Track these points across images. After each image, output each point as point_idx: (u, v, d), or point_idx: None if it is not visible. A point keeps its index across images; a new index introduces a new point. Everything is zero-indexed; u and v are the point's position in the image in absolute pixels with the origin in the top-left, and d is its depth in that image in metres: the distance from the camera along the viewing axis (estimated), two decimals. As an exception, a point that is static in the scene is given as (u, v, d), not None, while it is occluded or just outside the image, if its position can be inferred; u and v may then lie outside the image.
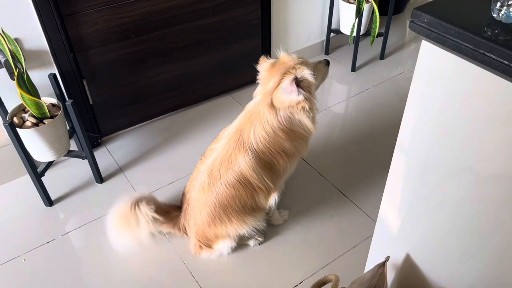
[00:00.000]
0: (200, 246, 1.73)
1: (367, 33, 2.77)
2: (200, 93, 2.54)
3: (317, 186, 2.06)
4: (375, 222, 1.86)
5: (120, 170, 2.17)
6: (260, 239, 1.79)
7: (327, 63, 1.71)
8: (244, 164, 1.56)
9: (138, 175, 2.14)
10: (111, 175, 2.15)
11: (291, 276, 1.70)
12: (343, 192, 2.03)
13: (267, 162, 1.59)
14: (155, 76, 2.30)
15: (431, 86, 0.93)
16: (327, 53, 2.93)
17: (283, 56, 1.59)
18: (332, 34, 2.87)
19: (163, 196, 2.01)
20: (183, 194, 1.76)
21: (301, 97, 1.49)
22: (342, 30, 2.80)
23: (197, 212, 1.65)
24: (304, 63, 1.57)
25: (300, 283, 1.68)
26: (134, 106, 2.34)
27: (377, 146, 2.27)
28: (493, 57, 0.77)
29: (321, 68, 1.68)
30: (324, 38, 2.89)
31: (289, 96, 1.50)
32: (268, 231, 1.85)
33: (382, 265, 1.19)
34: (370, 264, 1.42)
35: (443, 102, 0.91)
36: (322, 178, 2.10)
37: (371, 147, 2.27)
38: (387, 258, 1.20)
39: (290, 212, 1.93)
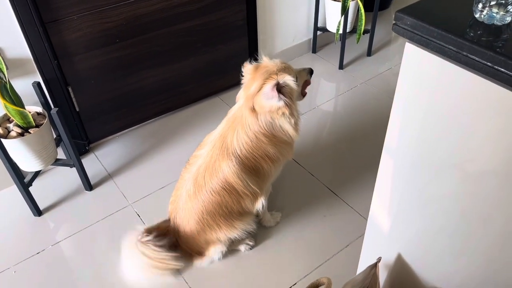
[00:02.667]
0: (191, 255, 1.72)
1: (354, 30, 2.77)
2: (188, 96, 2.53)
3: (308, 186, 2.06)
4: (367, 220, 1.88)
5: (109, 176, 2.15)
6: (251, 243, 1.78)
7: (310, 71, 1.70)
8: (228, 170, 1.55)
9: (128, 181, 2.13)
10: (100, 182, 2.13)
11: (284, 278, 1.70)
12: (334, 191, 2.03)
13: (251, 168, 1.58)
14: (141, 80, 2.28)
15: (416, 88, 0.92)
16: (314, 51, 2.93)
17: (266, 61, 1.59)
18: (318, 32, 2.87)
19: (154, 201, 2.00)
20: (170, 203, 1.74)
21: (281, 103, 1.48)
22: (329, 28, 2.80)
23: (185, 221, 1.64)
24: (286, 69, 1.56)
25: (293, 285, 1.68)
26: (122, 111, 2.32)
27: (367, 144, 2.27)
28: (476, 59, 0.77)
29: (304, 76, 1.68)
30: (311, 36, 2.88)
31: (270, 101, 1.50)
32: (260, 233, 1.85)
33: (374, 266, 1.19)
34: (362, 264, 1.42)
35: (429, 103, 0.91)
36: (313, 177, 2.10)
37: (361, 145, 2.27)
38: (379, 259, 1.20)
39: (282, 213, 1.92)
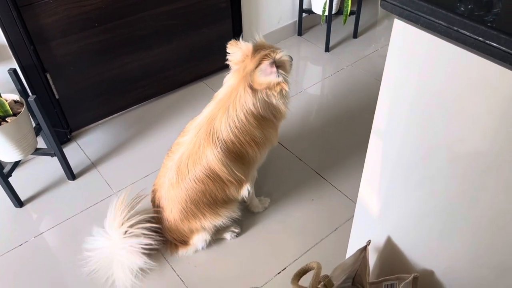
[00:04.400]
0: (175, 245, 1.69)
1: (339, 12, 2.73)
2: (172, 81, 2.47)
3: (295, 170, 2.04)
4: (355, 203, 1.86)
5: (92, 165, 2.10)
6: (236, 230, 1.76)
7: (290, 57, 1.68)
8: (212, 157, 1.52)
9: (112, 170, 2.08)
10: (83, 171, 2.07)
11: (273, 264, 1.68)
12: (322, 174, 2.01)
13: (236, 154, 1.55)
14: (123, 66, 2.21)
15: (405, 66, 0.89)
16: (300, 34, 2.88)
17: (261, 40, 1.59)
18: (304, 15, 2.82)
19: (139, 190, 1.95)
20: (152, 192, 1.70)
21: (280, 78, 1.49)
22: (314, 9, 2.75)
23: (168, 210, 1.61)
24: (281, 50, 1.56)
25: (283, 270, 1.66)
26: (104, 98, 2.25)
27: (355, 127, 2.25)
28: (467, 34, 0.74)
29: (286, 61, 1.66)
30: (296, 18, 2.83)
31: (269, 77, 1.49)
32: (245, 220, 1.82)
33: (364, 249, 1.17)
34: (352, 247, 1.41)
35: (419, 81, 0.88)
36: (300, 161, 2.08)
37: (348, 128, 2.25)
38: (368, 242, 1.19)
39: (270, 199, 1.90)
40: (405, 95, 0.93)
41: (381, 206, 1.18)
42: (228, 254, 1.73)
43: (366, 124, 2.25)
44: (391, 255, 1.22)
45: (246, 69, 1.52)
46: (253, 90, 1.51)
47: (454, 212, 1.00)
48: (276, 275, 1.65)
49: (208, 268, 1.69)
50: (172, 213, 1.60)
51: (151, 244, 1.60)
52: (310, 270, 1.17)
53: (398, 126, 0.99)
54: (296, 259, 1.69)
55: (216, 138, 1.52)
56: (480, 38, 0.72)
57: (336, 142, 2.18)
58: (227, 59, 1.59)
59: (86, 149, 2.18)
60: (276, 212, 1.86)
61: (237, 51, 1.57)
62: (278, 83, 1.50)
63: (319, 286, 1.10)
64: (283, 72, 1.50)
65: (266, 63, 1.50)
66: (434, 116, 0.89)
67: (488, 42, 0.72)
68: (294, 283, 1.14)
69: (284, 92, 1.54)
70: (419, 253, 1.16)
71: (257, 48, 1.54)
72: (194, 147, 1.54)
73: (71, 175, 2.02)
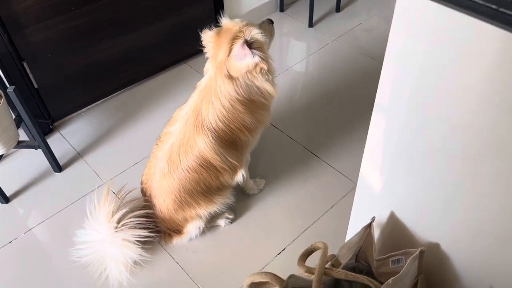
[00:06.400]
0: (169, 234, 1.66)
1: (321, -15, 2.67)
2: (154, 65, 2.39)
3: (288, 150, 2.02)
4: (350, 179, 1.87)
5: (79, 155, 2.03)
6: (230, 216, 1.73)
7: (270, 21, 1.63)
8: (204, 146, 1.48)
9: (99, 159, 2.02)
10: (70, 162, 2.01)
11: (272, 245, 1.67)
12: (314, 152, 2.00)
13: (228, 141, 1.51)
14: (103, 51, 2.13)
15: (411, 38, 0.87)
16: (282, 10, 2.82)
17: (226, 23, 1.49)
18: (285, -10, 2.75)
19: (130, 178, 1.90)
20: (142, 182, 1.66)
21: (257, 58, 1.41)
22: (295, -16, 2.69)
23: (161, 200, 1.57)
24: (249, 24, 1.48)
25: (283, 250, 1.66)
26: (85, 85, 2.17)
27: (343, 102, 2.23)
28: (479, 1, 0.71)
29: (267, 27, 1.60)
30: (278, -6, 2.77)
31: (244, 61, 1.42)
32: (239, 205, 1.78)
33: (368, 226, 1.17)
34: (353, 225, 1.40)
35: (426, 53, 0.86)
36: (292, 140, 2.05)
37: (336, 104, 2.23)
38: (373, 219, 1.18)
39: (264, 180, 1.88)
40: (410, 68, 0.90)
41: (384, 182, 1.17)
42: (225, 240, 1.71)
43: (353, 99, 2.24)
44: (395, 231, 1.21)
45: (218, 58, 1.46)
46: (232, 78, 1.45)
47: (458, 183, 0.99)
48: (276, 256, 1.64)
49: (207, 254, 1.67)
50: (165, 203, 1.57)
51: (144, 235, 1.56)
52: (316, 250, 1.16)
53: (402, 100, 0.97)
54: (296, 238, 1.68)
55: (206, 128, 1.48)
56: (494, 6, 0.70)
57: (325, 119, 2.16)
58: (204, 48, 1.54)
59: (70, 139, 2.11)
60: (271, 193, 1.85)
61: (207, 41, 1.52)
62: (256, 64, 1.42)
63: (327, 266, 1.09)
64: (257, 52, 1.41)
65: (237, 46, 1.41)
66: (441, 89, 0.87)
67: (502, 10, 0.69)
68: (300, 264, 1.12)
69: (264, 71, 1.46)
70: (424, 227, 1.16)
71: (223, 32, 1.47)
72: (184, 136, 1.50)
73: (57, 167, 1.96)
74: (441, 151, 0.97)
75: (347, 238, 1.48)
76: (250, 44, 1.41)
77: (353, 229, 1.41)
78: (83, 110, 2.24)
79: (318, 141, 2.04)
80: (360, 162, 1.93)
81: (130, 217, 1.56)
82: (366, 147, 1.15)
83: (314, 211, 1.77)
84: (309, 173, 1.91)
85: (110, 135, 2.12)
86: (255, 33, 1.43)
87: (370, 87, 2.38)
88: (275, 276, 1.05)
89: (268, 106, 1.57)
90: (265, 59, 1.44)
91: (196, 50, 2.50)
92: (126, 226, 1.54)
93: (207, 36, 1.51)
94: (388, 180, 1.16)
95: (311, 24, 2.70)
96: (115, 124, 2.17)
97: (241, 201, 1.80)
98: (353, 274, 1.03)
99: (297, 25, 2.73)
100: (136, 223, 1.56)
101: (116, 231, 1.53)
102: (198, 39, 2.48)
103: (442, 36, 0.81)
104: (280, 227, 1.73)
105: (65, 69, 2.05)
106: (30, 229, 1.76)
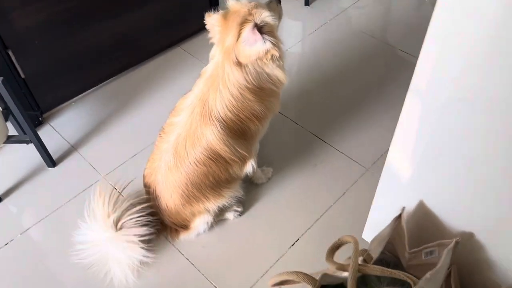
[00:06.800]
0: (176, 230, 1.58)
1: (317, -39, 2.56)
2: (147, 49, 2.27)
3: (293, 135, 1.94)
4: (359, 164, 1.82)
5: (73, 148, 1.92)
6: (239, 209, 1.66)
7: (278, 1, 1.52)
8: (212, 137, 1.39)
9: (95, 152, 1.91)
10: (64, 156, 1.89)
11: (286, 236, 1.61)
12: (321, 137, 1.93)
13: (237, 131, 1.43)
14: (93, 36, 1.99)
15: (460, 18, 0.79)
16: (276, -12, 2.70)
17: (232, 4, 1.38)
18: (279, -33, 2.63)
19: (129, 171, 1.81)
20: (145, 176, 1.56)
21: (268, 45, 1.31)
22: (290, -40, 2.57)
23: (167, 195, 1.48)
24: (258, 6, 1.37)
25: (296, 241, 1.59)
26: (75, 73, 2.04)
27: (345, 84, 2.16)
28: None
29: (275, 8, 1.50)
30: (271, -29, 2.64)
31: (255, 47, 1.32)
32: (249, 195, 1.70)
33: (398, 217, 1.11)
34: (376, 216, 1.35)
35: (480, 36, 0.78)
36: (297, 125, 1.98)
37: (338, 86, 2.16)
38: (403, 210, 1.12)
39: (272, 168, 1.80)
40: (459, 52, 0.83)
41: (414, 170, 1.11)
42: (235, 234, 1.63)
43: (356, 80, 2.17)
44: (424, 221, 1.16)
45: (225, 44, 1.36)
46: (241, 65, 1.35)
47: (492, 171, 0.94)
48: (290, 248, 1.58)
49: (217, 248, 1.60)
50: (172, 198, 1.48)
51: (147, 233, 1.48)
52: (344, 244, 1.10)
53: (445, 86, 0.89)
54: (309, 228, 1.62)
55: (214, 118, 1.39)
56: None
57: (328, 102, 2.08)
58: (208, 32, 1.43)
59: (62, 131, 1.99)
60: (279, 181, 1.78)
61: (213, 25, 1.41)
62: (268, 51, 1.32)
63: (359, 261, 1.03)
64: (269, 37, 1.31)
65: (247, 31, 1.31)
66: (494, 78, 0.80)
67: None
68: (329, 260, 1.06)
69: (275, 57, 1.36)
70: (456, 216, 1.11)
71: (230, 15, 1.36)
72: (190, 127, 1.41)
73: (51, 162, 1.84)
74: (478, 139, 0.91)
75: (366, 228, 1.43)
76: (260, 28, 1.32)
77: (374, 219, 1.36)
78: (74, 99, 2.12)
79: (323, 125, 1.97)
80: (368, 145, 1.86)
81: (131, 215, 1.47)
82: (396, 134, 1.09)
83: (325, 199, 1.71)
84: (317, 159, 1.85)
85: (105, 126, 2.01)
86: (265, 16, 1.33)
87: (372, 66, 2.32)
88: (306, 276, 0.98)
89: (278, 93, 1.49)
90: (276, 44, 1.34)
91: (190, 32, 2.39)
92: (127, 225, 1.45)
93: (212, 20, 1.40)
94: (418, 169, 1.10)
95: (307, 2, 2.60)
96: (110, 113, 2.06)
97: (249, 192, 1.72)
98: (389, 270, 0.98)
99: (293, 3, 2.63)
100: (138, 221, 1.47)
101: (117, 231, 1.44)
102: (190, 21, 2.37)
103: (497, 16, 0.73)
104: (291, 217, 1.67)
105: (53, 56, 1.91)
106: (26, 230, 1.66)
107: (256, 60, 1.35)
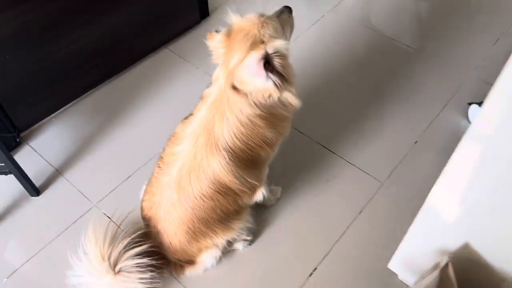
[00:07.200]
0: (181, 266, 1.43)
1: None
2: (131, 54, 2.07)
3: (299, 146, 1.80)
4: (373, 177, 1.69)
5: (57, 172, 1.73)
6: (248, 238, 1.51)
7: (289, 10, 1.35)
8: (220, 169, 1.24)
9: (82, 175, 1.72)
10: (48, 182, 1.70)
11: (302, 265, 1.48)
12: (329, 148, 1.79)
13: (247, 160, 1.28)
14: (70, 44, 1.77)
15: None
16: (266, -23, 2.50)
17: (237, 22, 1.21)
18: (269, -46, 2.42)
19: (124, 196, 1.64)
20: (144, 208, 1.40)
21: (270, 84, 1.16)
22: None
23: (171, 232, 1.33)
24: (269, 24, 1.20)
25: (314, 271, 1.47)
26: (53, 87, 1.83)
27: (348, 85, 2.02)
28: None
29: (287, 20, 1.33)
30: (261, -41, 2.44)
31: (254, 79, 1.17)
32: (258, 219, 1.55)
33: (445, 266, 0.99)
34: (407, 248, 1.23)
35: None
36: (302, 135, 1.83)
37: (341, 88, 2.01)
38: (450, 257, 1.00)
39: (279, 187, 1.66)
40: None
41: (462, 212, 0.99)
42: (245, 266, 1.50)
43: (359, 80, 2.03)
44: (470, 265, 1.05)
45: (229, 65, 1.20)
46: (240, 91, 1.20)
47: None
48: (308, 277, 1.46)
49: (227, 283, 1.46)
50: (176, 235, 1.33)
51: (150, 277, 1.33)
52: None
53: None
54: (326, 255, 1.51)
55: (221, 148, 1.23)
56: None
57: (333, 107, 1.94)
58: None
59: (43, 152, 1.79)
60: (289, 202, 1.64)
61: (216, 47, 1.25)
62: (265, 90, 1.17)
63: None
64: (273, 76, 1.14)
65: (252, 58, 1.15)
66: None
67: None
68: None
69: (277, 95, 1.21)
70: (504, 259, 1.00)
71: (235, 33, 1.20)
72: (195, 159, 1.25)
73: (34, 190, 1.65)
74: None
75: (395, 260, 1.32)
76: (269, 61, 1.15)
77: (406, 253, 1.25)
78: (54, 115, 1.91)
79: (329, 134, 1.83)
80: (380, 154, 1.70)
81: (131, 258, 1.31)
82: (445, 174, 0.96)
83: (341, 219, 1.59)
84: (328, 173, 1.72)
85: (91, 143, 1.82)
86: (280, 45, 1.16)
87: (376, 64, 2.17)
88: None
89: (290, 117, 1.34)
90: (280, 85, 1.17)
91: (176, 31, 2.18)
92: (127, 269, 1.30)
93: (215, 41, 1.23)
94: (467, 213, 0.97)
95: (301, -7, 2.41)
96: (95, 128, 1.86)
97: (258, 216, 1.57)
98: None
99: (285, -6, 2.43)
100: (140, 264, 1.32)
101: (115, 275, 1.29)
102: (177, 19, 2.16)
103: None
104: (306, 242, 1.54)
105: (28, 70, 1.70)
106: (15, 271, 1.48)
107: (253, 91, 1.19)
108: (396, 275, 1.40)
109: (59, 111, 1.92)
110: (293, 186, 1.68)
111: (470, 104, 1.86)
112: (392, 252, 1.43)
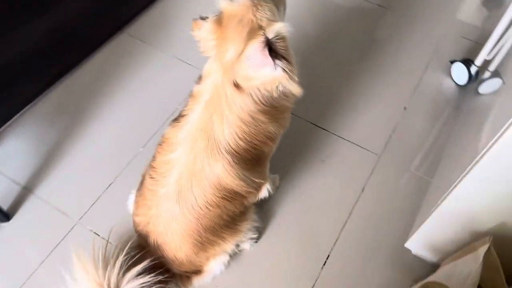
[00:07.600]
0: (187, 277, 1.32)
1: None
2: (88, 43, 1.84)
3: (292, 127, 1.69)
4: (369, 151, 1.63)
5: (26, 190, 1.53)
6: (254, 236, 1.42)
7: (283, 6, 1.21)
8: (225, 174, 1.13)
9: (55, 189, 1.54)
10: (17, 203, 1.51)
11: (312, 256, 1.41)
12: (322, 126, 1.70)
13: (252, 159, 1.18)
14: (18, 42, 1.55)
15: None
16: None
17: (227, 6, 1.06)
18: None
19: (107, 208, 1.48)
20: (138, 223, 1.26)
21: (279, 72, 1.03)
22: None
23: (175, 246, 1.21)
24: (262, 5, 1.05)
25: (327, 259, 1.41)
26: (6, 90, 1.59)
27: (339, 64, 1.90)
28: None
29: None
30: None
31: (262, 71, 1.04)
32: (260, 214, 1.44)
33: (487, 249, 0.94)
34: (429, 229, 1.18)
35: None
36: (293, 116, 1.71)
37: (333, 67, 1.89)
38: (490, 239, 0.95)
39: (277, 174, 1.56)
40: None
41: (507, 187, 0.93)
42: (255, 265, 1.41)
43: (351, 57, 1.92)
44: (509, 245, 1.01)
45: (225, 58, 1.06)
46: (242, 89, 1.07)
47: None
48: (322, 268, 1.40)
49: (243, 285, 1.37)
50: (182, 249, 1.22)
51: None
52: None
53: None
54: (337, 239, 1.44)
55: (223, 151, 1.11)
56: None
57: (323, 85, 1.83)
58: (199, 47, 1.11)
59: (5, 168, 1.58)
60: (289, 189, 1.55)
61: (205, 36, 1.09)
62: (276, 78, 1.04)
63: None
64: (282, 63, 1.02)
65: (254, 48, 1.01)
66: None
67: None
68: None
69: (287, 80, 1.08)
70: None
71: (226, 19, 1.05)
72: (194, 166, 1.12)
73: (3, 215, 1.45)
74: None
75: (413, 240, 1.28)
76: (272, 46, 1.02)
77: (427, 234, 1.20)
78: (9, 122, 1.67)
79: (321, 111, 1.74)
80: (371, 126, 1.63)
81: (133, 277, 1.18)
82: (482, 160, 0.89)
83: (344, 200, 1.52)
84: (322, 153, 1.63)
85: (57, 151, 1.62)
86: (280, 28, 1.03)
87: (353, 32, 2.05)
88: None
89: (290, 108, 1.23)
90: (289, 69, 1.04)
91: (133, 13, 1.96)
92: None
93: (203, 31, 1.08)
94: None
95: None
96: (59, 133, 1.66)
97: (260, 210, 1.45)
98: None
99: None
100: (143, 284, 1.19)
101: None
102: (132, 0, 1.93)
103: None
104: (313, 230, 1.47)
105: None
106: (-3, 313, 1.32)
107: (261, 85, 1.07)
108: (409, 250, 1.37)
109: (14, 118, 1.68)
110: (290, 171, 1.59)
111: (452, 62, 1.81)
112: (403, 227, 1.40)
